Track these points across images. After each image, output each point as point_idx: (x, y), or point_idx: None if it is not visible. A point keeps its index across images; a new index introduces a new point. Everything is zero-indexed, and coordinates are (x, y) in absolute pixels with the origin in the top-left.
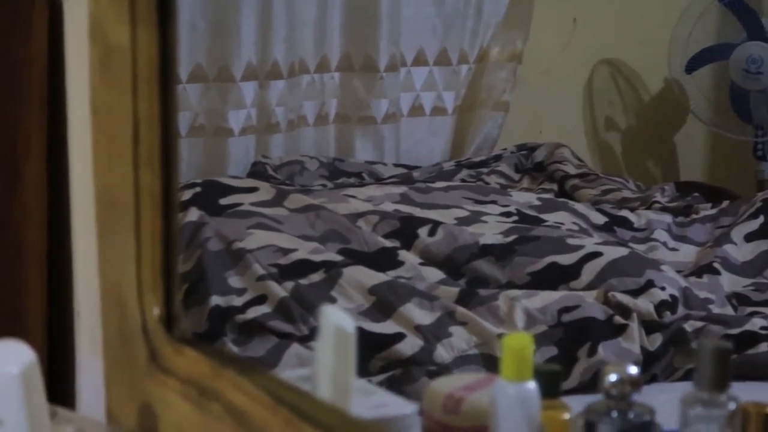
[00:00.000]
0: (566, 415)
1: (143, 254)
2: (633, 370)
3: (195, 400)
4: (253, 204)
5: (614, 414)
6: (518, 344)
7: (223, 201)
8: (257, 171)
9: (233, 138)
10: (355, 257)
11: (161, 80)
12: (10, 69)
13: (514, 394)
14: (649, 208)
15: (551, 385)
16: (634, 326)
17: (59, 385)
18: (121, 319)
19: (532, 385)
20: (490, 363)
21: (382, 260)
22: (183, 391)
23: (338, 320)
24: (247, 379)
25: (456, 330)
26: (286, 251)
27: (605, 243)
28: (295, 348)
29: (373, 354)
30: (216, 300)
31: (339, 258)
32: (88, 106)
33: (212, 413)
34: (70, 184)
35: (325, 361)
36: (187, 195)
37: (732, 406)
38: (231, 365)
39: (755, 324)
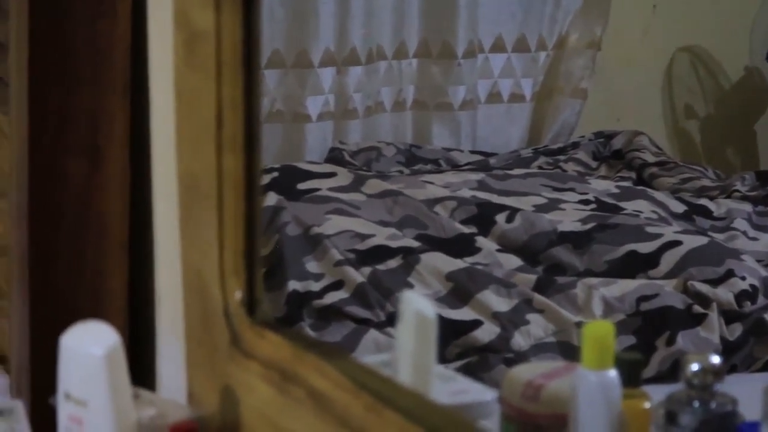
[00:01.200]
0: (647, 404)
1: (226, 238)
2: (715, 359)
3: (277, 383)
4: (330, 189)
5: (696, 404)
6: (600, 332)
7: (301, 186)
8: (334, 157)
9: (311, 124)
10: (433, 243)
11: (245, 65)
12: (94, 55)
13: (595, 382)
14: (728, 197)
15: (632, 374)
16: (714, 316)
17: (139, 368)
18: (203, 303)
19: (613, 373)
20: (567, 351)
21: (460, 246)
22: (265, 375)
23: (419, 305)
24: (328, 363)
25: (533, 317)
26: (363, 237)
27: (685, 232)
28: (372, 334)
29: (449, 340)
30: (294, 285)
31: (416, 244)
32: (171, 92)
33: (294, 397)
34: (152, 168)
35: (406, 346)
36: (265, 180)
37: None
38: (313, 349)
39: None
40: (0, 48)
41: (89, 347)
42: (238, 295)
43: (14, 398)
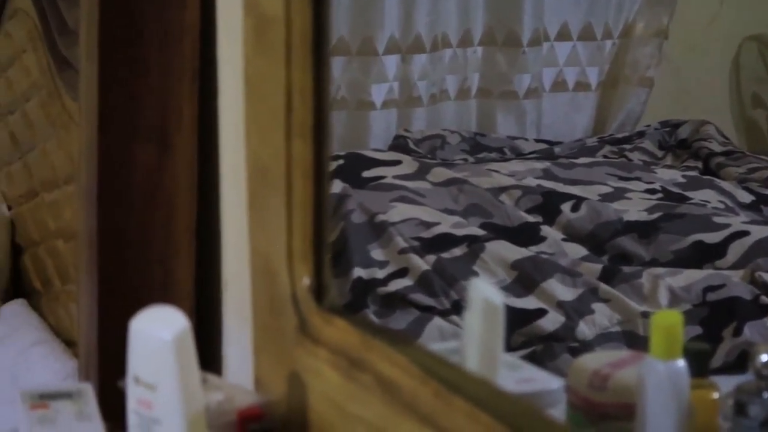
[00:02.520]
0: (715, 395)
1: (294, 224)
2: None
3: (344, 370)
4: (395, 177)
5: (765, 395)
6: (668, 321)
7: (366, 174)
8: (399, 144)
9: (375, 111)
10: (498, 232)
11: (314, 51)
12: (163, 41)
13: (663, 371)
14: None
15: (700, 364)
16: None
17: (205, 353)
18: (271, 288)
19: (681, 363)
20: (632, 341)
21: (525, 235)
22: (332, 361)
23: (487, 293)
24: (396, 350)
25: (598, 307)
26: (428, 225)
27: (752, 222)
28: (437, 321)
29: (514, 329)
30: (359, 272)
31: (481, 232)
32: (240, 78)
33: (362, 383)
34: (220, 154)
35: (474, 333)
36: (331, 167)
37: None
38: (380, 336)
39: None
40: (70, 34)
41: (158, 331)
42: (306, 281)
43: (82, 382)
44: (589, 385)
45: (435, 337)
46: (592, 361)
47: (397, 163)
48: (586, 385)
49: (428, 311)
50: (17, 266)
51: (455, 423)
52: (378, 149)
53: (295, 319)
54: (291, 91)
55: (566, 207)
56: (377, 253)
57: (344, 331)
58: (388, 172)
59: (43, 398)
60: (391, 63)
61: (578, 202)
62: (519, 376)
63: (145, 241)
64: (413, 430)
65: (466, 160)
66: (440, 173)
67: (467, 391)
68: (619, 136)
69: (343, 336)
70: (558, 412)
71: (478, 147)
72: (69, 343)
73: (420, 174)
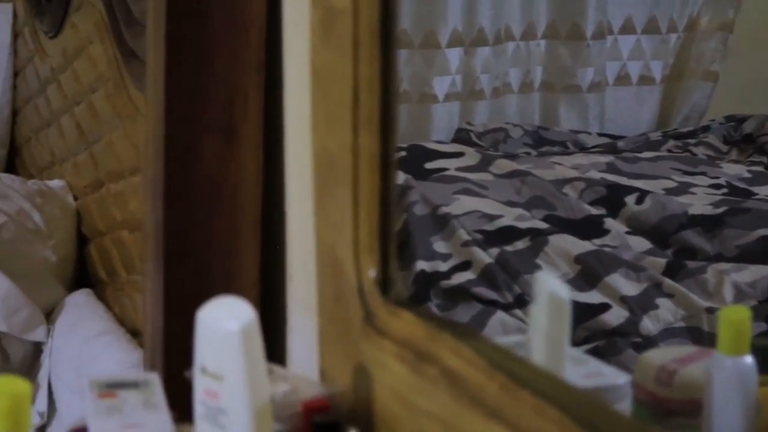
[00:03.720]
0: None
1: (360, 216)
2: None
3: (410, 362)
4: (458, 169)
5: None
6: (737, 317)
7: (429, 165)
8: (461, 137)
9: (437, 104)
10: (561, 225)
11: (382, 43)
12: (230, 32)
13: (731, 367)
14: None
15: (767, 361)
16: None
17: (270, 344)
18: (337, 280)
19: (749, 359)
20: (696, 337)
21: (588, 228)
22: (398, 354)
23: (554, 287)
24: (463, 343)
25: (662, 302)
26: (491, 217)
27: None
28: (500, 315)
29: (577, 323)
30: (421, 265)
31: (545, 225)
32: (306, 69)
33: (428, 376)
34: (285, 145)
35: (540, 327)
36: None
37: None
38: (447, 329)
39: None
40: (137, 26)
41: (225, 322)
42: (372, 273)
43: (148, 371)
44: (656, 381)
45: (497, 331)
46: (658, 356)
47: (460, 155)
48: (652, 381)
49: (491, 305)
50: (82, 256)
51: (522, 417)
52: (440, 141)
53: (361, 311)
54: (358, 83)
55: (631, 200)
56: (440, 246)
57: (410, 323)
58: (450, 164)
59: (111, 387)
60: (454, 56)
61: (643, 195)
62: (585, 371)
63: (211, 232)
64: (479, 423)
65: (528, 153)
66: (503, 165)
67: (534, 384)
68: (684, 130)
69: (410, 328)
70: (623, 407)
71: (540, 141)
72: (134, 333)
73: (483, 166)
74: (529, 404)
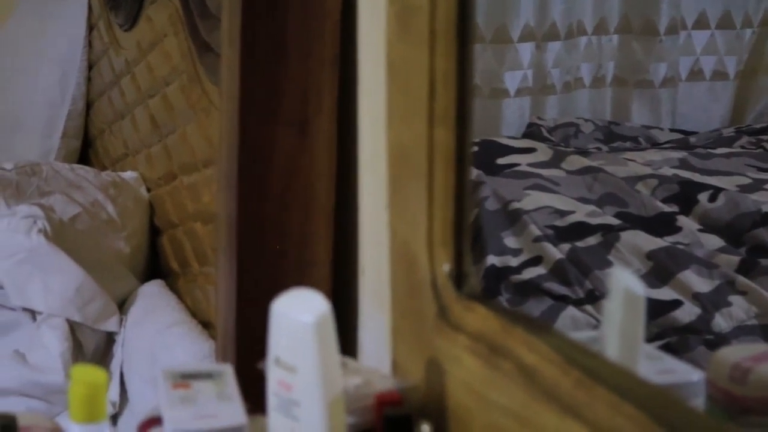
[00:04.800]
0: None
1: (435, 210)
2: None
3: (484, 357)
4: (530, 165)
5: None
6: None
7: (501, 161)
8: (532, 132)
9: (509, 99)
10: (633, 221)
11: (459, 38)
12: (305, 27)
13: None
14: None
15: None
16: None
17: (341, 337)
18: (410, 274)
19: None
20: None
21: (660, 225)
22: (472, 348)
23: (628, 282)
24: (538, 337)
25: (735, 299)
26: (562, 213)
27: None
28: (570, 311)
29: (649, 320)
30: (492, 259)
31: (616, 222)
32: (381, 63)
33: (502, 371)
34: (359, 139)
35: (614, 323)
36: None
37: None
38: (521, 323)
39: None
40: (211, 19)
41: (300, 314)
42: (446, 267)
43: (219, 363)
44: (730, 379)
45: (568, 327)
46: (733, 354)
47: (532, 150)
48: (726, 379)
49: (562, 300)
50: (155, 248)
51: (597, 413)
52: (512, 137)
53: (434, 305)
54: (434, 78)
55: (703, 197)
56: (511, 241)
57: (484, 318)
58: (522, 160)
59: (185, 378)
60: (526, 51)
61: (716, 192)
62: (658, 367)
63: (284, 224)
64: (553, 418)
65: (599, 148)
66: (575, 161)
67: (610, 380)
68: (757, 126)
69: (484, 323)
70: (697, 405)
71: (612, 136)
72: (205, 325)
73: (554, 162)
74: (604, 400)
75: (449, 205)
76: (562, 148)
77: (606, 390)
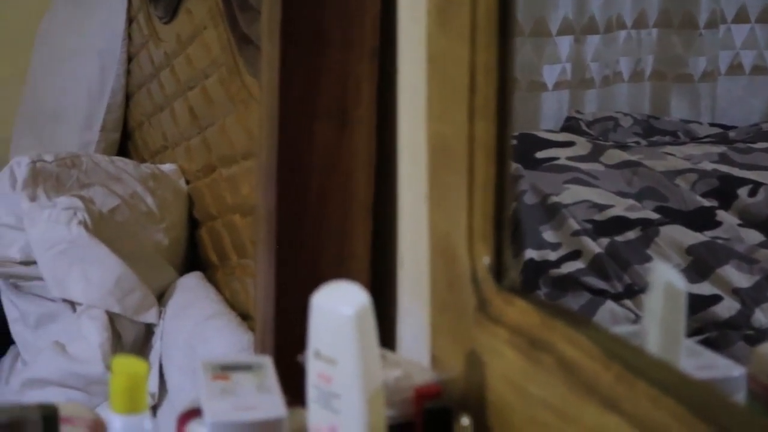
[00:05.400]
0: None
1: (475, 203)
2: None
3: (525, 350)
4: (569, 159)
5: None
6: None
7: (540, 154)
8: (570, 126)
9: (547, 92)
10: (672, 216)
11: (500, 30)
12: (344, 19)
13: None
14: None
15: None
16: None
17: (380, 330)
18: (449, 267)
19: None
20: None
21: (700, 220)
22: (512, 341)
23: (670, 277)
24: (578, 331)
25: None
26: (601, 207)
27: None
28: (609, 305)
29: (688, 315)
30: (531, 253)
31: (656, 216)
32: (421, 56)
33: (542, 364)
34: (398, 132)
35: (655, 317)
36: None
37: None
38: (562, 317)
39: None
40: (251, 11)
41: (340, 306)
42: (486, 260)
43: (258, 355)
44: None
45: (607, 321)
46: None
47: (571, 144)
48: (767, 374)
49: (600, 294)
50: (193, 240)
51: (638, 407)
52: (550, 130)
53: (474, 298)
54: (475, 70)
55: (743, 192)
56: (549, 235)
57: (525, 311)
58: (561, 154)
59: (224, 369)
60: (564, 44)
61: (756, 187)
62: (699, 362)
63: (323, 217)
64: (594, 412)
65: (638, 143)
66: (614, 155)
67: (651, 375)
68: None
69: (524, 316)
70: (738, 400)
71: (651, 130)
72: (243, 317)
73: (593, 156)
74: (645, 394)
75: (489, 198)
76: (601, 142)
77: (647, 384)
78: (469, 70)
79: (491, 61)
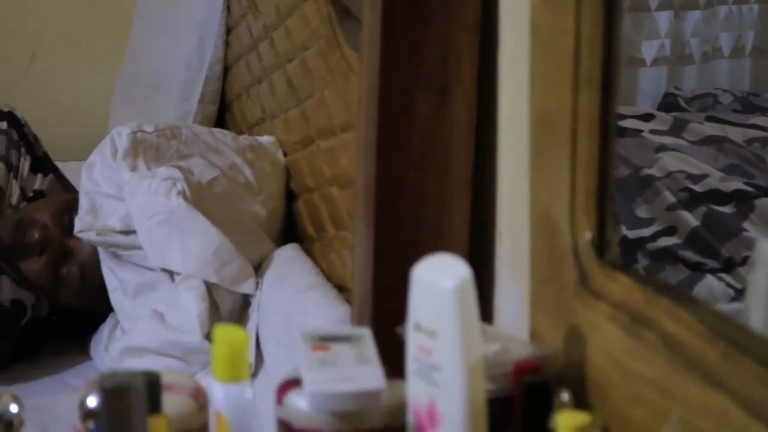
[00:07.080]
0: None
1: (578, 177)
2: None
3: (626, 326)
4: (652, 132)
5: None
6: None
7: (623, 124)
8: (669, 102)
9: (645, 68)
10: (762, 191)
11: (605, 3)
12: None
13: None
14: None
15: None
16: None
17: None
18: (550, 241)
19: None
20: None
21: None
22: (614, 317)
23: None
24: (682, 308)
25: None
26: (696, 178)
27: None
28: (708, 280)
29: None
30: (623, 228)
31: (750, 189)
32: (524, 29)
33: (645, 341)
34: (498, 105)
35: (760, 295)
36: None
37: None
38: (665, 293)
39: None
40: None
41: (441, 279)
42: (588, 235)
43: (355, 327)
44: None
45: (705, 296)
46: None
47: (650, 117)
48: None
49: (698, 269)
50: (290, 212)
51: (744, 386)
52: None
53: (575, 272)
54: (580, 43)
55: None
56: (642, 211)
57: (627, 286)
58: (643, 126)
59: (324, 340)
60: (663, 19)
61: None
62: None
63: (422, 189)
64: (697, 390)
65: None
66: (697, 131)
67: (758, 353)
68: None
69: (626, 292)
70: None
71: (751, 107)
72: (340, 289)
73: (675, 131)
74: (752, 373)
75: (593, 172)
76: (681, 116)
77: (754, 363)
78: (574, 43)
79: (596, 34)
